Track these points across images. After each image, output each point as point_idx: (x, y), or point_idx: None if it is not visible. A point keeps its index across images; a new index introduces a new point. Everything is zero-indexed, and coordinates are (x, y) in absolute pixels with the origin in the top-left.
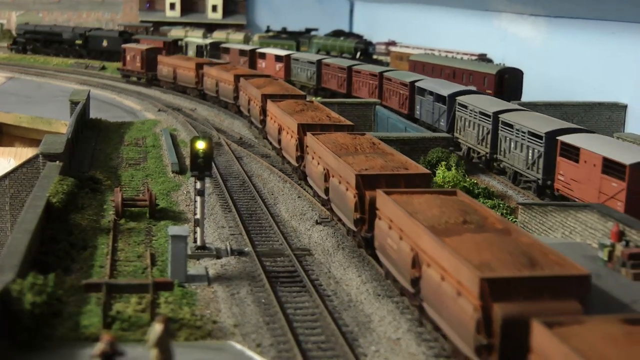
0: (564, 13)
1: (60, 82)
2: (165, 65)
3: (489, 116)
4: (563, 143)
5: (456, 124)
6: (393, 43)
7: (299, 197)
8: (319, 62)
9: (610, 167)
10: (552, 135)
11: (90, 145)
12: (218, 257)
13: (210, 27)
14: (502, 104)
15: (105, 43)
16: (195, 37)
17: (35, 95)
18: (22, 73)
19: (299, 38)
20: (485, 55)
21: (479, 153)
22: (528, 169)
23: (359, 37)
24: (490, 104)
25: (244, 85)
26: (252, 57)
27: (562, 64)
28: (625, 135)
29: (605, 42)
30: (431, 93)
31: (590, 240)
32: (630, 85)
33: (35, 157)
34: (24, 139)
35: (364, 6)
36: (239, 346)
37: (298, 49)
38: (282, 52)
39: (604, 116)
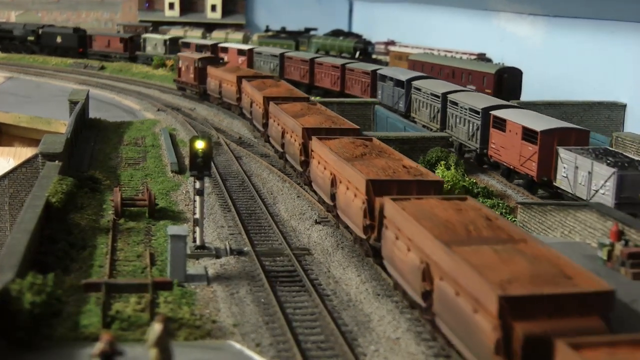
0: (563, 12)
1: (59, 82)
2: (213, 77)
3: (438, 97)
4: (494, 116)
5: (412, 105)
6: (392, 43)
7: (298, 196)
8: (282, 55)
9: (528, 134)
10: (486, 111)
11: (90, 145)
12: (217, 256)
13: (209, 27)
14: (449, 86)
15: (59, 39)
16: (154, 34)
17: (34, 95)
18: (21, 73)
19: (298, 38)
20: (484, 54)
21: (431, 129)
22: (469, 140)
23: (358, 36)
24: (439, 86)
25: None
26: (214, 51)
27: (561, 63)
28: (624, 135)
29: (605, 41)
30: (391, 79)
31: (590, 239)
32: (630, 84)
33: (35, 156)
34: (23, 138)
35: (363, 6)
36: (238, 346)
37: (297, 49)
38: (245, 47)
39: (603, 115)
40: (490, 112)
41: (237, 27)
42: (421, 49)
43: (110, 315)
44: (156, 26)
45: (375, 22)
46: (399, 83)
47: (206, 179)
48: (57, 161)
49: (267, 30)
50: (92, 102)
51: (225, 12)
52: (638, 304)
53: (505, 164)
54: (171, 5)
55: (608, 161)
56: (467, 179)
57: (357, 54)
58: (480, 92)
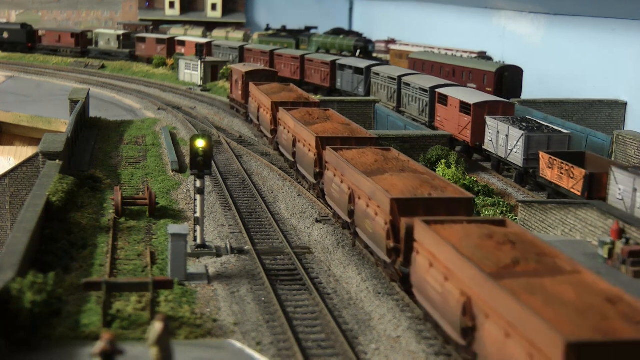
0: (563, 10)
1: (59, 81)
2: (254, 98)
3: (394, 79)
4: (439, 94)
5: (372, 88)
6: (392, 41)
7: (298, 195)
8: (242, 47)
9: (464, 107)
10: (433, 89)
11: (90, 144)
12: (218, 255)
13: (209, 26)
14: (403, 71)
15: (5, 35)
16: (106, 29)
17: (34, 94)
18: (22, 72)
19: (298, 36)
20: (484, 53)
21: (389, 109)
22: (420, 115)
23: (358, 35)
24: (394, 71)
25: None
26: (171, 45)
27: (562, 61)
28: (625, 133)
29: (605, 39)
30: (350, 67)
31: (591, 237)
32: (630, 82)
33: (35, 156)
34: (24, 138)
35: (363, 4)
36: (238, 344)
37: (297, 47)
38: (202, 40)
39: (604, 114)
40: (436, 90)
41: (238, 26)
42: (421, 48)
43: (111, 314)
44: (156, 25)
45: (375, 21)
46: (358, 70)
47: (207, 178)
48: (57, 160)
49: (268, 29)
50: (92, 101)
51: (226, 11)
52: None
53: (449, 134)
54: (171, 4)
55: (521, 126)
56: (467, 177)
57: (358, 52)
58: (428, 75)
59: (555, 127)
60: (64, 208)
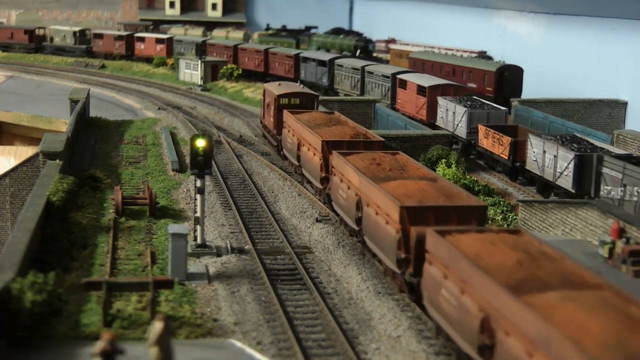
0: (563, 10)
1: (59, 81)
2: (291, 130)
3: (358, 69)
4: (399, 79)
5: (335, 79)
6: (393, 41)
7: (299, 195)
8: (204, 42)
9: (420, 90)
10: (394, 75)
11: (90, 144)
12: (218, 255)
13: (209, 25)
14: (365, 61)
15: None
16: (60, 26)
17: (34, 93)
18: (22, 72)
19: (298, 36)
20: (485, 52)
21: (352, 96)
22: (382, 99)
23: (358, 34)
24: (357, 62)
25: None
26: (130, 41)
27: (562, 61)
28: (625, 133)
29: (606, 39)
30: (314, 60)
31: (591, 237)
32: (630, 82)
33: (35, 155)
34: (24, 137)
35: (363, 4)
36: (239, 344)
37: (298, 47)
38: (164, 35)
39: (604, 113)
40: (397, 76)
41: (238, 25)
42: (422, 47)
43: (111, 314)
44: (157, 25)
45: (375, 20)
46: (321, 63)
47: (207, 178)
48: (57, 160)
49: (268, 28)
50: (92, 101)
51: (226, 11)
52: None
53: (407, 113)
54: (172, 4)
55: (465, 104)
56: (467, 177)
57: (358, 52)
58: (390, 65)
59: (494, 105)
60: (64, 208)
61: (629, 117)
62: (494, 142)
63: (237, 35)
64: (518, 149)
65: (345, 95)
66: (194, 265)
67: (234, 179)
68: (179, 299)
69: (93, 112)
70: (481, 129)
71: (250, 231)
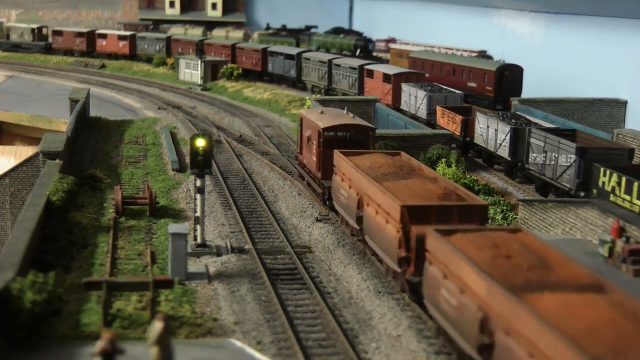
0: (563, 9)
1: (59, 81)
2: (346, 179)
3: (325, 62)
4: (366, 69)
5: (303, 71)
6: (393, 40)
7: (299, 194)
8: (169, 38)
9: (386, 78)
10: (361, 67)
11: (90, 144)
12: (218, 254)
13: (209, 25)
14: (331, 55)
15: None
16: (18, 23)
17: (35, 93)
18: (22, 72)
19: (298, 36)
20: (485, 52)
21: (320, 87)
22: (349, 89)
23: (358, 34)
24: (324, 56)
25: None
26: (90, 39)
27: (562, 60)
28: (625, 132)
29: (605, 38)
30: (281, 54)
31: (591, 236)
32: (630, 81)
33: (35, 155)
34: (24, 137)
35: (363, 4)
36: (239, 344)
37: (298, 46)
38: (126, 32)
39: (604, 112)
40: (364, 67)
41: (238, 25)
42: (422, 47)
43: (111, 313)
44: (157, 25)
45: (375, 20)
46: (289, 56)
47: (207, 177)
48: (57, 160)
49: (267, 28)
50: (92, 101)
51: (226, 10)
52: None
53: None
54: (172, 4)
55: (425, 89)
56: (468, 176)
57: (358, 51)
58: (357, 58)
59: (450, 89)
60: (64, 207)
61: (628, 116)
62: (449, 120)
63: (237, 35)
64: (468, 126)
65: (313, 87)
66: (194, 265)
67: (234, 179)
68: (179, 298)
69: (93, 112)
70: (439, 109)
71: (250, 231)
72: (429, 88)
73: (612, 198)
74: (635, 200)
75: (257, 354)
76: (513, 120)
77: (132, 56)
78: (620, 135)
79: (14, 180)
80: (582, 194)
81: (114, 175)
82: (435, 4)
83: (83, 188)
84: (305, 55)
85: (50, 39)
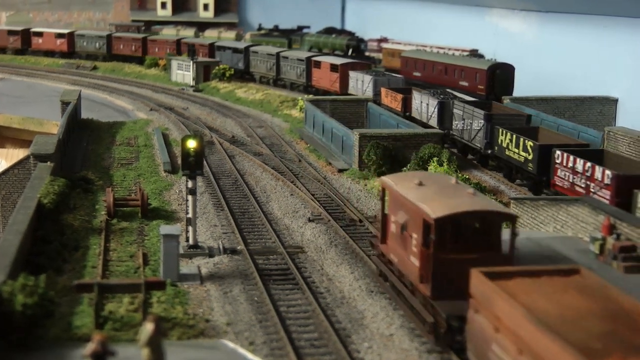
0: (555, 8)
1: (51, 83)
2: (506, 330)
3: (273, 55)
4: (314, 61)
5: (251, 64)
6: (385, 40)
7: (291, 194)
8: (109, 36)
9: (333, 67)
10: (308, 59)
11: (82, 146)
12: (210, 255)
13: (201, 26)
14: (279, 49)
15: None
16: None
17: (26, 95)
18: (13, 74)
19: (290, 36)
20: (476, 50)
21: (268, 77)
22: (297, 78)
23: (351, 34)
24: (272, 49)
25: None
26: (26, 36)
27: (554, 58)
28: (616, 129)
29: (597, 36)
30: (229, 48)
31: (582, 233)
32: (621, 79)
33: (26, 158)
34: (15, 140)
35: (355, 3)
36: (231, 344)
37: (290, 47)
38: (64, 30)
39: (596, 110)
40: (311, 58)
41: (230, 25)
42: (414, 46)
43: (103, 315)
44: (148, 26)
45: (367, 20)
46: (237, 50)
47: (199, 178)
48: (49, 162)
49: (260, 28)
50: (84, 103)
51: (218, 11)
52: None
53: (323, 88)
54: (163, 5)
55: (371, 74)
56: (459, 175)
57: (350, 51)
58: (304, 51)
59: (393, 74)
60: (55, 210)
61: (619, 114)
62: (392, 99)
63: (229, 35)
64: (407, 103)
65: (261, 77)
66: (186, 266)
67: (227, 180)
68: (171, 300)
69: (85, 114)
70: (383, 90)
71: (242, 231)
72: (373, 73)
73: (507, 152)
74: (521, 152)
75: (249, 355)
76: (442, 96)
77: (71, 53)
78: (611, 133)
79: (5, 183)
80: (489, 151)
81: (105, 177)
82: (427, 4)
83: (75, 190)
84: (252, 49)
85: None
